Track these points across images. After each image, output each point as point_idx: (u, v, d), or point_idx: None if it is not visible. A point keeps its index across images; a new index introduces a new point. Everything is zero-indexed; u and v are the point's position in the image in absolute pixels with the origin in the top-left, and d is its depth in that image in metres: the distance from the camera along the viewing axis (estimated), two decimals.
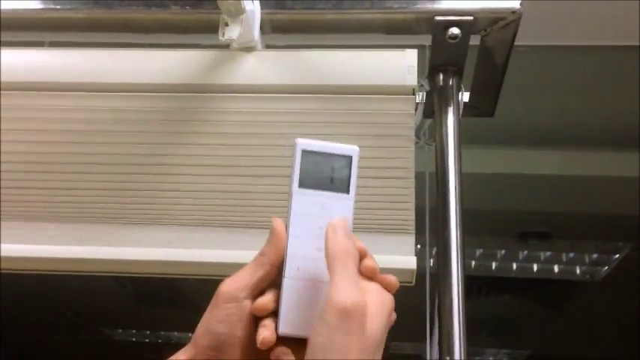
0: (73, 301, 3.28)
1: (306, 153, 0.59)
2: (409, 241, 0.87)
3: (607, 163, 1.89)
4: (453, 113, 0.93)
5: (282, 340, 0.56)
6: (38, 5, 0.97)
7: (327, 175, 0.59)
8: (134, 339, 4.00)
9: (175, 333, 3.84)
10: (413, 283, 0.86)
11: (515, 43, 0.91)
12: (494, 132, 1.82)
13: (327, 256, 0.56)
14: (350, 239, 0.57)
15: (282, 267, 0.58)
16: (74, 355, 4.06)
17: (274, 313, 0.57)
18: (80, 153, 0.92)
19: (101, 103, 0.93)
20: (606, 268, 2.67)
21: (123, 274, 0.94)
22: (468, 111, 1.00)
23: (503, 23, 0.89)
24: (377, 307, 0.56)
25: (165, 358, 0.58)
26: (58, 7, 0.96)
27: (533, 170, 1.93)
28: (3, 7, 0.96)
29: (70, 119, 0.93)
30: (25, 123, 0.93)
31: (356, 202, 0.60)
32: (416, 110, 0.92)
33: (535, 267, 2.73)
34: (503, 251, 2.64)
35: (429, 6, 0.90)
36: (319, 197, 0.59)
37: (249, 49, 0.92)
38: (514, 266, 2.74)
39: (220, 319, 0.56)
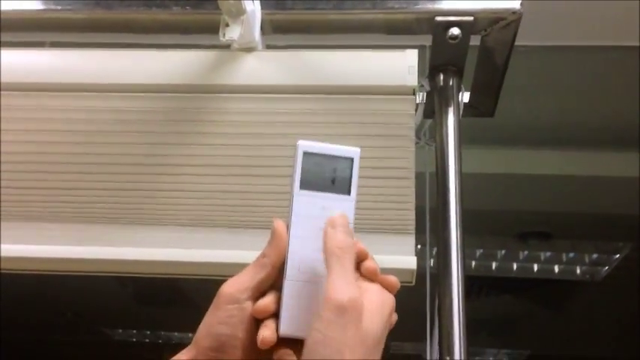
0: (73, 301, 3.28)
1: (307, 155, 0.59)
2: (409, 241, 0.87)
3: (607, 163, 1.89)
4: (454, 113, 0.93)
5: (283, 341, 0.56)
6: (39, 6, 0.97)
7: (328, 177, 0.59)
8: (134, 339, 4.00)
9: (176, 333, 3.85)
10: (413, 283, 0.86)
11: (516, 43, 0.91)
12: (494, 132, 1.83)
13: (325, 252, 0.56)
14: (349, 235, 0.57)
15: (284, 268, 0.58)
16: (75, 355, 4.06)
17: (275, 314, 0.57)
18: (81, 153, 0.92)
19: (102, 104, 0.93)
20: (606, 268, 2.67)
21: (123, 274, 0.94)
22: (469, 111, 1.00)
23: (503, 23, 0.89)
24: (377, 305, 0.56)
25: (165, 358, 0.58)
26: (59, 7, 0.96)
27: (534, 170, 1.94)
28: (4, 7, 0.96)
29: (71, 120, 0.93)
30: (26, 123, 0.93)
31: (356, 202, 0.60)
32: (416, 110, 0.92)
33: (535, 267, 2.74)
34: (503, 251, 2.65)
35: (430, 6, 0.90)
36: (320, 199, 0.59)
37: (250, 49, 0.92)
38: (514, 266, 2.74)
39: (221, 320, 0.56)
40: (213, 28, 0.90)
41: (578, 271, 2.74)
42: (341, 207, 0.59)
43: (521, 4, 0.88)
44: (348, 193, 0.59)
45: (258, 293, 0.58)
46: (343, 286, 0.53)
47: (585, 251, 2.60)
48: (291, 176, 0.59)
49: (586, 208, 2.14)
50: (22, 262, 0.92)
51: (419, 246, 0.88)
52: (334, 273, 0.54)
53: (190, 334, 0.58)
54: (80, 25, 0.98)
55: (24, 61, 0.96)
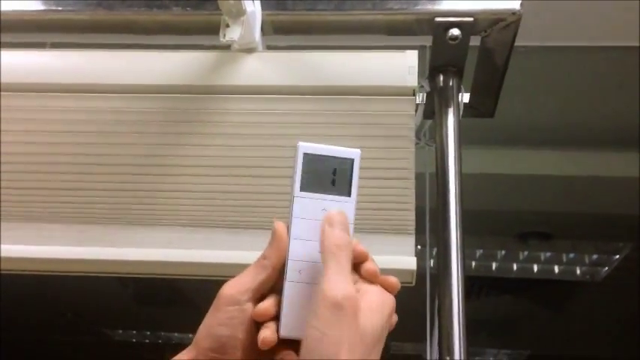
0: (73, 301, 3.28)
1: (308, 156, 0.59)
2: (409, 241, 0.88)
3: (607, 164, 1.89)
4: (454, 114, 0.93)
5: (283, 342, 0.56)
6: (40, 7, 0.97)
7: (328, 178, 0.59)
8: (135, 339, 4.00)
9: (176, 333, 3.85)
10: (413, 284, 0.86)
11: (516, 43, 0.92)
12: (494, 132, 1.83)
13: (322, 249, 0.56)
14: (346, 233, 0.57)
15: (284, 270, 0.58)
16: (75, 355, 4.06)
17: (275, 316, 0.57)
18: (81, 154, 0.92)
19: (102, 104, 0.93)
20: (606, 268, 2.67)
21: (123, 275, 0.94)
22: (469, 112, 1.00)
23: (503, 24, 0.89)
24: (376, 305, 0.56)
25: (165, 358, 0.58)
26: (60, 8, 0.96)
27: (534, 171, 1.94)
28: (4, 8, 0.96)
29: (72, 120, 0.93)
30: (27, 124, 0.93)
31: (357, 202, 0.60)
32: (416, 111, 0.92)
33: (535, 267, 2.74)
34: (503, 252, 2.65)
35: (430, 7, 0.90)
36: (321, 200, 0.59)
37: (250, 50, 0.92)
38: (514, 266, 2.75)
39: (222, 321, 0.56)
40: (214, 29, 0.90)
41: (578, 271, 2.75)
42: (341, 208, 0.59)
43: (521, 4, 0.88)
44: (349, 194, 0.59)
45: (259, 295, 0.58)
46: (338, 282, 0.54)
47: (585, 251, 2.60)
48: (292, 178, 0.59)
49: (586, 209, 2.14)
50: (22, 263, 0.92)
51: (419, 246, 0.89)
52: (330, 270, 0.54)
53: (190, 335, 0.58)
54: (81, 25, 0.98)
55: (24, 61, 0.96)
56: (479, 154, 1.86)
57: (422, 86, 0.96)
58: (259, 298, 0.58)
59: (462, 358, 0.81)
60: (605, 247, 2.54)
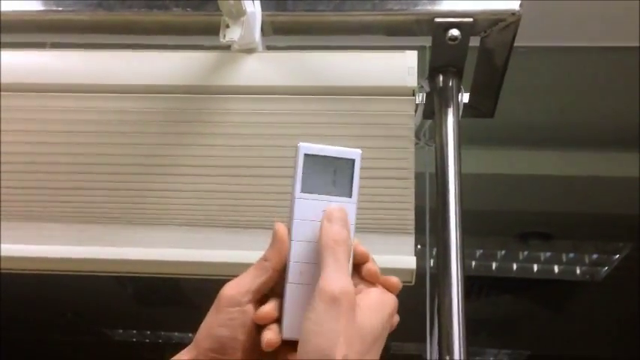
0: (73, 301, 3.29)
1: (308, 157, 0.59)
2: (409, 241, 0.88)
3: (607, 164, 1.89)
4: (453, 114, 0.93)
5: (285, 343, 0.56)
6: (40, 7, 0.97)
7: (329, 179, 0.59)
8: (135, 339, 4.00)
9: (176, 333, 3.85)
10: (413, 283, 0.86)
11: (515, 43, 0.92)
12: (494, 132, 1.83)
13: (320, 244, 0.56)
14: (344, 228, 0.57)
15: (285, 271, 0.58)
16: (75, 355, 4.06)
17: (277, 318, 0.57)
18: (81, 153, 0.92)
19: (102, 105, 0.93)
20: (606, 268, 2.68)
21: (123, 274, 0.94)
22: (468, 112, 1.00)
23: (502, 25, 0.90)
24: (376, 304, 0.56)
25: (165, 358, 0.58)
26: (60, 8, 0.96)
27: (534, 171, 1.94)
28: (4, 8, 0.96)
29: (72, 120, 0.93)
30: (27, 124, 0.93)
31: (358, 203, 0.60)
32: (416, 111, 0.92)
33: (535, 267, 2.74)
34: (503, 251, 2.65)
35: (429, 8, 0.90)
36: (322, 201, 0.58)
37: (250, 50, 0.92)
38: (514, 266, 2.75)
39: (223, 322, 0.57)
40: (214, 30, 0.90)
41: (578, 271, 2.75)
42: None
43: (520, 5, 0.88)
44: (350, 195, 0.59)
45: (259, 296, 0.58)
46: (335, 277, 0.54)
47: (585, 251, 2.61)
48: (292, 178, 0.59)
49: (586, 209, 2.14)
50: (22, 262, 0.92)
51: (419, 246, 0.89)
52: (327, 265, 0.55)
53: (190, 334, 0.58)
54: (81, 26, 0.98)
55: (25, 61, 0.96)
56: (478, 154, 1.87)
57: (421, 86, 0.96)
58: (260, 299, 0.58)
59: (462, 358, 0.81)
60: (605, 247, 2.54)
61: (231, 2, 0.85)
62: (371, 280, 0.59)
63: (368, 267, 0.59)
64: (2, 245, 0.91)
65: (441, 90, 0.95)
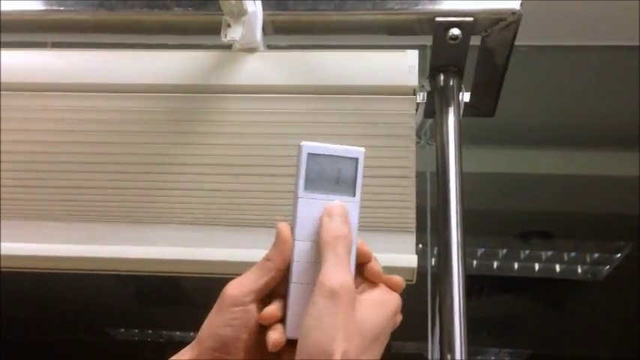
0: (75, 300, 3.28)
1: (311, 156, 0.58)
2: (410, 239, 0.88)
3: (608, 163, 1.89)
4: (454, 113, 0.94)
5: (289, 343, 0.56)
6: (41, 7, 0.97)
7: (332, 178, 0.59)
8: (136, 338, 4.00)
9: (177, 332, 3.85)
10: (414, 281, 0.86)
11: (516, 43, 0.92)
12: (494, 132, 1.83)
13: (320, 240, 0.56)
14: (345, 224, 0.57)
15: (289, 271, 0.58)
16: (76, 354, 4.06)
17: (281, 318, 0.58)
18: (82, 152, 0.93)
19: (103, 104, 0.93)
20: (608, 267, 2.67)
21: (124, 273, 0.94)
22: (469, 111, 1.01)
23: (503, 24, 0.90)
24: (378, 302, 0.56)
25: (167, 357, 0.58)
26: (62, 8, 0.96)
27: (535, 170, 1.94)
28: (7, 8, 0.96)
29: (73, 119, 0.93)
30: (28, 123, 0.93)
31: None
32: (417, 110, 0.93)
33: (536, 266, 2.73)
34: (504, 250, 2.65)
35: (430, 7, 0.90)
36: (325, 201, 0.58)
37: (252, 49, 0.93)
38: (515, 265, 2.74)
39: (226, 322, 0.56)
40: (215, 29, 0.90)
41: (579, 270, 2.74)
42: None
43: (521, 4, 0.88)
44: (353, 194, 0.59)
45: (262, 296, 0.58)
46: (335, 272, 0.54)
47: (586, 250, 2.60)
48: (295, 177, 0.59)
49: (587, 208, 2.14)
50: (22, 261, 0.92)
51: (420, 245, 0.89)
52: (328, 260, 0.55)
53: (192, 334, 0.58)
54: (83, 26, 0.98)
55: (26, 61, 0.97)
56: (479, 154, 1.87)
57: (422, 86, 0.96)
58: (263, 299, 0.58)
59: (463, 357, 0.81)
60: (607, 246, 2.54)
61: (233, 2, 0.86)
62: (373, 280, 0.59)
63: (370, 266, 0.59)
64: (2, 244, 0.91)
65: (441, 89, 0.95)
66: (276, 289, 0.59)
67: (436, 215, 0.90)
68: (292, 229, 0.59)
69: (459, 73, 0.95)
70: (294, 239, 0.58)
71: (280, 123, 0.90)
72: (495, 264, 2.73)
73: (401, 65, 0.90)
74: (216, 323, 0.57)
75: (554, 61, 1.55)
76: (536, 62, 1.54)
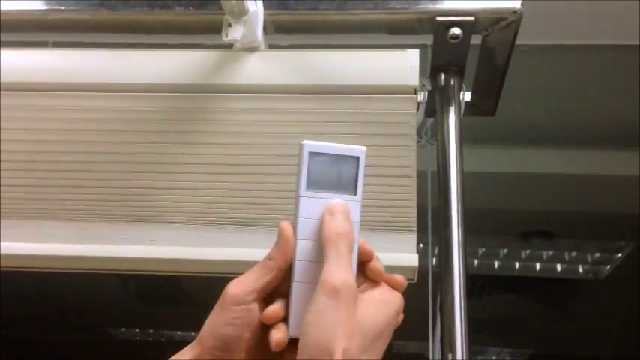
0: (75, 299, 3.28)
1: (313, 155, 0.58)
2: (411, 238, 0.88)
3: (608, 162, 1.89)
4: (455, 112, 0.94)
5: (292, 342, 0.56)
6: (42, 6, 0.97)
7: (334, 177, 0.59)
8: (137, 338, 4.00)
9: (179, 332, 3.85)
10: (415, 280, 0.86)
11: (516, 42, 0.92)
12: (495, 131, 1.83)
13: (322, 237, 0.56)
14: (346, 222, 0.57)
15: (291, 270, 0.58)
16: (76, 353, 4.06)
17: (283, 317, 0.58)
18: (83, 152, 0.93)
19: (104, 103, 0.93)
20: (609, 266, 2.67)
21: (126, 272, 0.94)
22: (470, 110, 1.01)
23: (504, 23, 0.90)
24: (380, 300, 0.56)
25: (168, 356, 0.58)
26: (63, 8, 0.96)
27: (535, 169, 1.94)
28: (8, 8, 0.96)
29: (73, 119, 0.93)
30: (28, 123, 0.94)
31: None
32: (418, 110, 0.93)
33: (538, 266, 2.73)
34: (505, 250, 2.65)
35: (431, 6, 0.90)
36: (327, 200, 0.58)
37: (253, 49, 0.93)
38: (516, 265, 2.74)
39: (227, 321, 0.56)
40: (216, 29, 0.90)
41: (580, 269, 2.74)
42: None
43: (521, 4, 0.88)
44: (355, 193, 0.59)
45: (264, 295, 0.58)
46: (337, 269, 0.54)
47: (587, 250, 2.60)
48: (297, 177, 0.59)
49: (588, 207, 2.14)
50: (22, 260, 0.92)
51: (420, 245, 0.89)
52: (329, 258, 0.55)
53: (193, 333, 0.58)
54: (84, 25, 0.98)
55: (27, 60, 0.97)
56: (480, 153, 1.87)
57: (423, 85, 0.96)
58: (264, 298, 0.58)
59: (465, 356, 0.81)
60: (608, 246, 2.54)
61: (234, 1, 0.86)
62: (375, 278, 0.59)
63: (372, 265, 0.59)
64: (2, 243, 0.91)
65: (442, 88, 0.95)
66: (278, 289, 0.58)
67: (437, 214, 0.90)
68: (294, 228, 0.59)
69: (460, 73, 0.95)
70: (296, 238, 0.58)
71: (281, 122, 0.90)
72: (496, 263, 2.73)
73: (402, 65, 0.90)
74: (218, 322, 0.57)
75: (554, 61, 1.55)
76: (536, 62, 1.54)
